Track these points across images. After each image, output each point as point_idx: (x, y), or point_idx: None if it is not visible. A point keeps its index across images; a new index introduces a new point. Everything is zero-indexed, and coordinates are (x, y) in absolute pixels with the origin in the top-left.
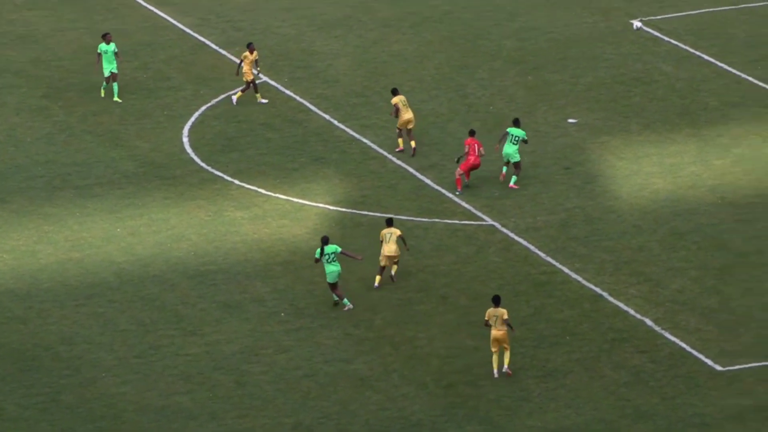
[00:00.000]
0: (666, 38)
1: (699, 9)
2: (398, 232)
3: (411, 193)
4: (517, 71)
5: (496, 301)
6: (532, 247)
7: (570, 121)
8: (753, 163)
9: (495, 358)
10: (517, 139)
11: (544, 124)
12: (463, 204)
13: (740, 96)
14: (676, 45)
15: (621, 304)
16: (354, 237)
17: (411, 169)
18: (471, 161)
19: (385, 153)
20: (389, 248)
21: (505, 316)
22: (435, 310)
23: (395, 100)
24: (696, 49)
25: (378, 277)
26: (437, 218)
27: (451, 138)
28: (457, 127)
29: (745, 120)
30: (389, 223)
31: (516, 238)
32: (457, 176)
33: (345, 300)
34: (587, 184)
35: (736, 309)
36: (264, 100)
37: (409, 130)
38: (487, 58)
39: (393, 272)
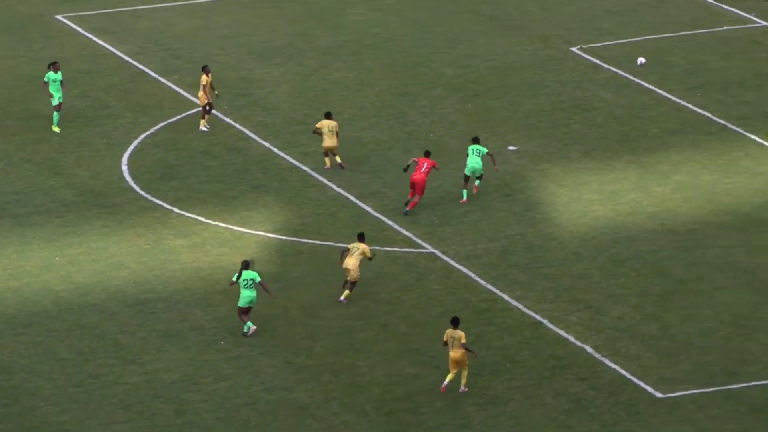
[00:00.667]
0: (606, 65)
1: (639, 36)
2: (363, 247)
3: (351, 220)
4: (457, 98)
5: (455, 323)
6: (472, 275)
7: (510, 148)
8: (692, 190)
9: (450, 376)
10: (479, 152)
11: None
12: (404, 231)
13: (680, 123)
14: (616, 72)
15: (561, 332)
16: (294, 265)
17: (351, 197)
18: (413, 176)
19: (325, 180)
20: (349, 261)
21: (463, 340)
22: (375, 338)
23: (321, 123)
24: (635, 77)
25: (346, 292)
26: (377, 246)
27: (391, 166)
28: (398, 155)
29: (685, 147)
30: (360, 238)
31: (456, 265)
32: (414, 203)
33: (248, 323)
34: (528, 211)
35: (676, 336)
36: (206, 128)
37: (333, 154)
38: (428, 86)
39: (343, 296)
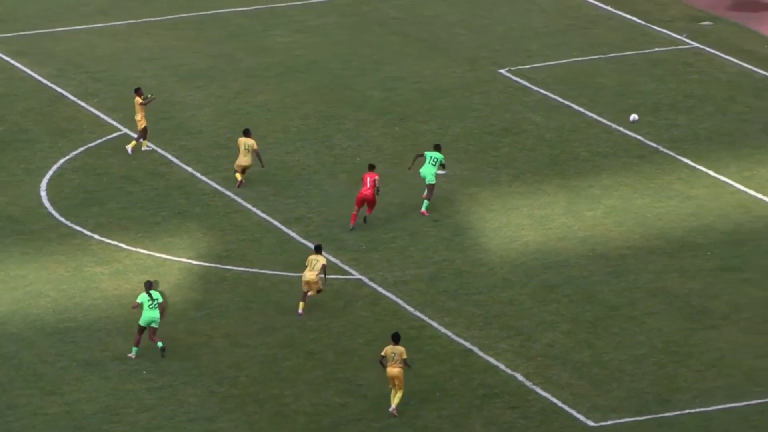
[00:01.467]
0: (535, 88)
1: (568, 58)
2: (323, 260)
3: (276, 246)
4: (384, 122)
5: (396, 339)
6: (400, 302)
7: (439, 172)
8: (623, 214)
9: (393, 393)
10: (435, 161)
11: (412, 175)
12: (330, 258)
13: (610, 146)
14: (546, 95)
15: (491, 359)
16: (218, 292)
17: (276, 222)
18: (361, 192)
19: (249, 206)
20: (310, 274)
21: (404, 356)
22: (302, 366)
23: (241, 140)
24: (565, 99)
25: (301, 304)
26: (302, 272)
27: (317, 190)
28: (324, 179)
29: (616, 170)
30: (318, 249)
31: (384, 292)
32: (354, 211)
33: (135, 349)
34: (456, 236)
35: (608, 363)
36: (131, 149)
37: (244, 171)
38: (354, 109)
39: (300, 309)
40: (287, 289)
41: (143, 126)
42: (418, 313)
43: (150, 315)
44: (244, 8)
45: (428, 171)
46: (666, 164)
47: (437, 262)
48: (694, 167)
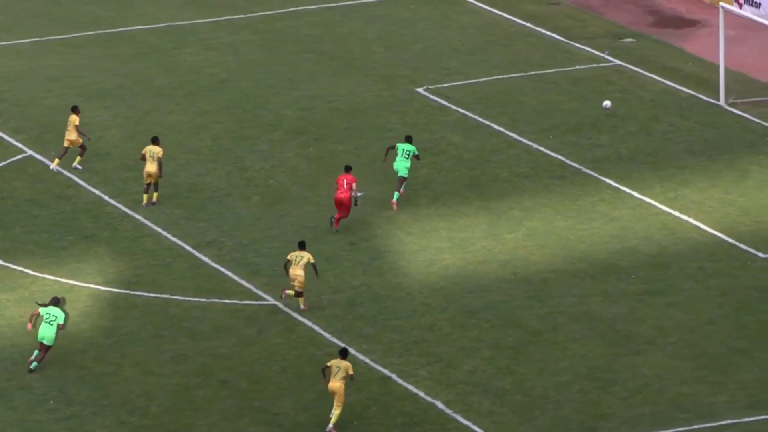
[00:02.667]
0: (454, 107)
1: (487, 76)
2: (308, 256)
3: (188, 271)
4: (298, 142)
5: (343, 354)
6: (316, 328)
7: (357, 194)
8: (545, 237)
9: (334, 413)
10: (408, 153)
11: (328, 197)
12: (244, 283)
13: (531, 167)
14: (465, 114)
15: (411, 387)
16: (128, 319)
17: (187, 247)
18: (337, 195)
19: (160, 230)
20: (294, 272)
21: (351, 371)
22: (215, 395)
23: (147, 148)
24: (485, 119)
25: (290, 292)
26: (216, 298)
27: (229, 213)
28: (236, 202)
29: (537, 192)
30: (301, 246)
31: (299, 318)
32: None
33: (36, 364)
34: (374, 260)
35: (531, 390)
36: (79, 165)
37: (152, 184)
38: (267, 129)
39: (301, 305)
40: (199, 315)
41: (80, 143)
42: (335, 340)
43: (43, 330)
44: (154, 26)
45: (401, 165)
46: (589, 185)
47: (354, 287)
48: (618, 188)
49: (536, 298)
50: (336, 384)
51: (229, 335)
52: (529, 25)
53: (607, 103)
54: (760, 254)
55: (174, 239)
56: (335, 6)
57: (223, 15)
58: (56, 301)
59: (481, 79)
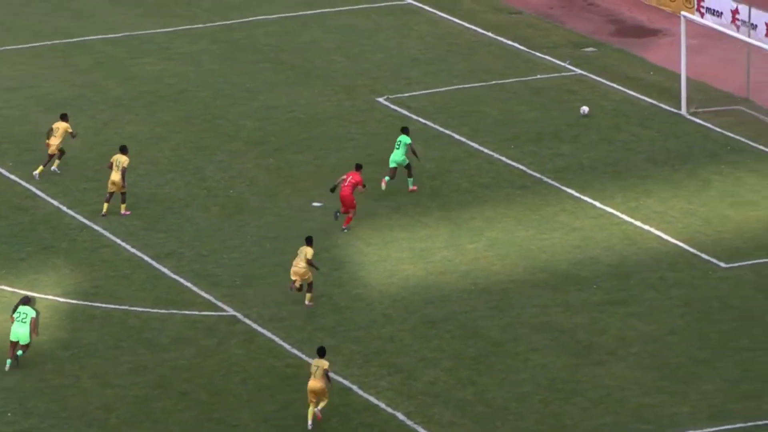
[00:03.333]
0: (414, 117)
1: (448, 86)
2: (310, 251)
3: (147, 282)
4: (257, 152)
5: (321, 353)
6: (276, 339)
7: (315, 204)
8: (507, 247)
9: (311, 409)
10: (399, 143)
11: (287, 208)
12: (203, 294)
13: (493, 177)
14: (426, 124)
15: (371, 398)
16: (87, 331)
17: (146, 258)
18: (342, 192)
19: (119, 241)
20: (297, 263)
21: (325, 366)
22: (174, 407)
23: (113, 158)
24: (446, 128)
25: (308, 295)
26: (175, 309)
27: (188, 224)
28: (195, 213)
29: (498, 202)
30: (308, 241)
31: (259, 329)
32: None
33: (9, 361)
34: (334, 270)
35: (492, 401)
36: (57, 168)
37: (114, 194)
38: (226, 139)
39: (307, 302)
40: (159, 326)
41: (60, 149)
42: (295, 351)
43: (16, 329)
44: (112, 35)
45: (397, 156)
46: (550, 195)
47: (315, 298)
48: (579, 198)
49: (497, 308)
50: (317, 384)
51: (189, 346)
52: (490, 34)
53: (584, 108)
54: (722, 264)
55: (133, 250)
56: (294, 15)
57: (181, 25)
58: (27, 300)
59: (441, 89)
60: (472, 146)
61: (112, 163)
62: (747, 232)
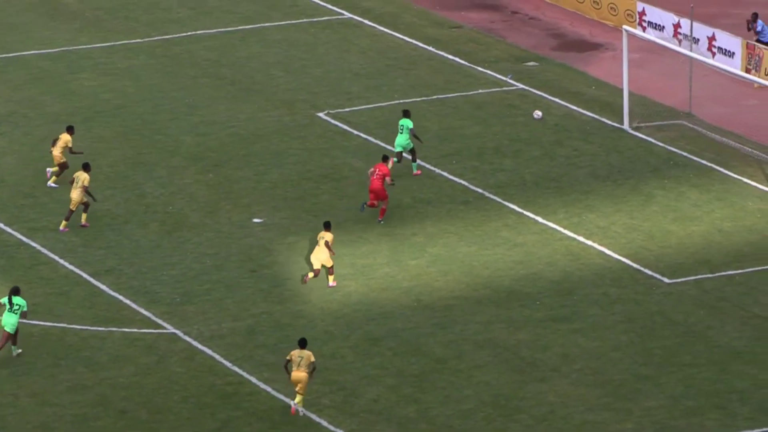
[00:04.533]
0: (355, 132)
1: (389, 101)
2: (329, 237)
3: (85, 300)
4: (197, 168)
5: (302, 344)
6: (217, 356)
7: (255, 220)
8: (449, 263)
9: (298, 399)
10: (402, 128)
11: (228, 224)
12: (142, 311)
13: (434, 192)
14: (366, 139)
15: (314, 416)
16: (24, 348)
17: (85, 275)
18: (372, 185)
19: (57, 258)
20: (318, 250)
21: (312, 359)
22: (114, 426)
23: (76, 174)
24: (387, 143)
25: (310, 274)
26: (114, 327)
27: (127, 241)
28: (134, 229)
29: (440, 217)
30: (326, 226)
31: (200, 346)
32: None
33: (15, 349)
34: (275, 287)
35: (435, 418)
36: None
37: (72, 212)
38: (165, 155)
39: (330, 282)
40: (98, 344)
41: (63, 161)
42: (235, 368)
43: (6, 318)
44: (48, 50)
45: (401, 140)
46: (492, 211)
47: (255, 315)
48: (522, 213)
49: (440, 325)
50: (301, 374)
51: (128, 364)
52: (430, 49)
53: (537, 113)
54: (665, 280)
55: (71, 267)
56: (233, 30)
57: (119, 39)
58: (17, 290)
59: (382, 104)
60: None
61: (73, 180)
62: (689, 247)
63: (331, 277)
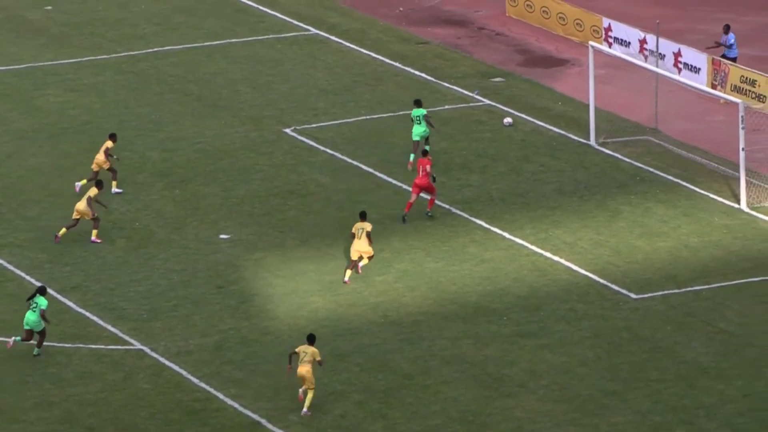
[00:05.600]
0: (322, 148)
1: (356, 117)
2: (369, 227)
3: (52, 316)
4: (163, 184)
5: (310, 340)
6: (184, 373)
7: (222, 236)
8: (416, 278)
9: (307, 395)
10: (419, 118)
11: (195, 240)
12: (109, 327)
13: (401, 208)
14: (333, 155)
15: None
16: None
17: (52, 291)
18: (416, 181)
19: (23, 274)
20: (358, 242)
21: (318, 357)
22: None
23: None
24: (354, 159)
25: (348, 272)
26: (81, 343)
27: (94, 257)
28: (101, 246)
29: (407, 233)
30: (362, 216)
31: (167, 362)
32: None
33: (37, 350)
34: (242, 303)
35: None
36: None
37: (77, 221)
38: (132, 171)
39: (360, 264)
40: (64, 361)
41: (109, 166)
42: (203, 385)
43: (27, 316)
44: (14, 67)
45: (419, 130)
46: (459, 226)
47: (222, 331)
48: (489, 229)
49: (407, 340)
50: (304, 368)
51: (95, 381)
52: (397, 64)
53: (507, 120)
54: (632, 295)
55: (38, 283)
56: (199, 46)
57: (85, 56)
58: (43, 290)
59: (349, 120)
60: (380, 177)
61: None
62: (656, 262)
63: (365, 263)
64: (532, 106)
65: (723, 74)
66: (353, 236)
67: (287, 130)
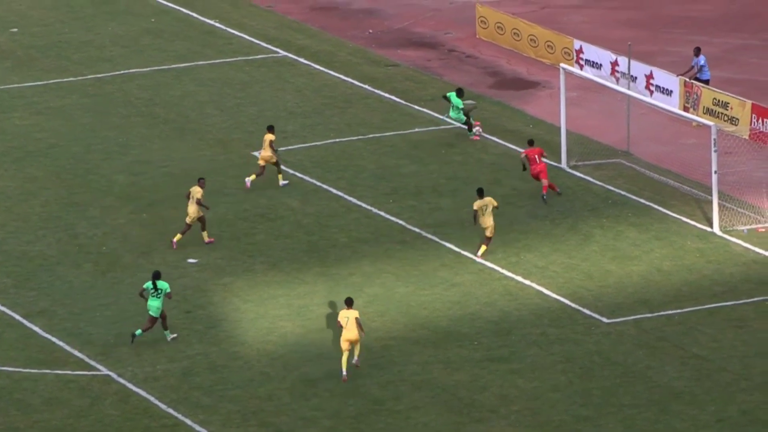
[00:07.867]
0: (291, 171)
1: (325, 140)
2: (356, 314)
3: (18, 341)
4: (131, 208)
5: (349, 303)
6: (151, 398)
7: (190, 261)
8: (386, 303)
9: (345, 357)
10: (456, 109)
11: (163, 264)
12: (76, 353)
13: (371, 232)
14: (302, 178)
15: None
16: None
17: (17, 316)
18: (535, 171)
19: None
20: (350, 332)
21: (357, 315)
22: None
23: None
24: (323, 183)
25: (483, 247)
26: (47, 369)
27: (60, 282)
28: (68, 270)
29: (377, 257)
30: (480, 193)
31: (134, 388)
32: (546, 186)
33: (167, 332)
34: (210, 328)
35: None
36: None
37: (190, 226)
38: (99, 195)
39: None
40: (30, 386)
41: (275, 160)
42: (170, 410)
43: (150, 302)
44: None
45: (455, 114)
46: (430, 250)
47: (190, 356)
48: (459, 253)
49: (377, 365)
50: (352, 333)
51: (62, 407)
52: (367, 87)
53: (478, 128)
54: (604, 319)
55: (3, 308)
56: (167, 68)
57: (51, 78)
58: (158, 275)
59: (318, 143)
60: (350, 201)
61: (189, 194)
62: (628, 286)
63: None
64: (503, 128)
65: (695, 97)
66: (477, 215)
67: (256, 153)
